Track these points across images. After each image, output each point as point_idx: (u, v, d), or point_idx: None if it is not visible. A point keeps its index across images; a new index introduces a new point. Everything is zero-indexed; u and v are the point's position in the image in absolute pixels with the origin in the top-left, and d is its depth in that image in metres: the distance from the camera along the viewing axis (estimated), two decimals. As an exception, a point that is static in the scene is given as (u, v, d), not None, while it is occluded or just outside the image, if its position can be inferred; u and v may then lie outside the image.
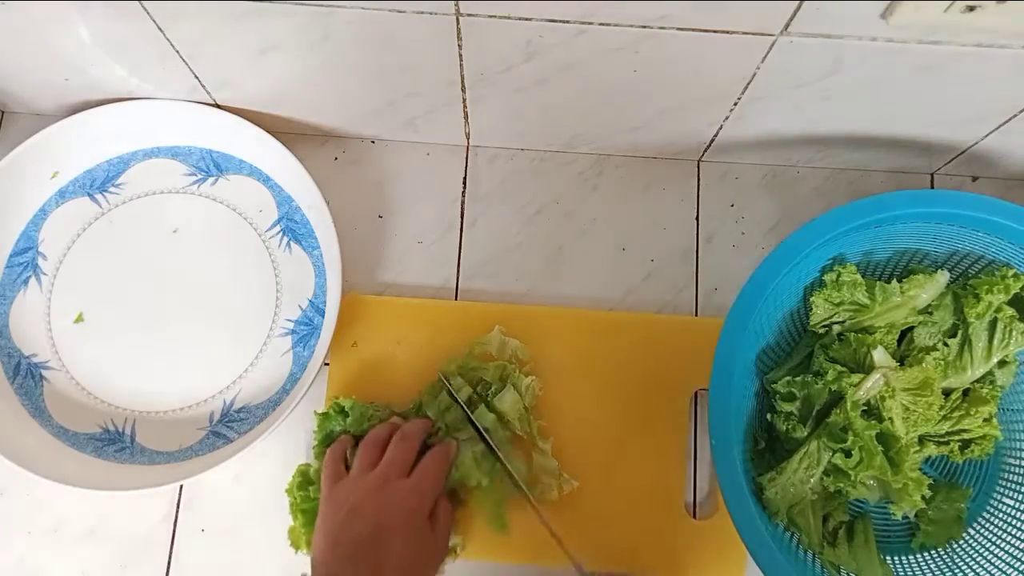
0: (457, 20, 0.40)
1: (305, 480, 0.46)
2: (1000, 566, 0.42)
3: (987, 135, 0.49)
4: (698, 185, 0.55)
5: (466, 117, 0.52)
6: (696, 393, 0.50)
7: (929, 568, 0.45)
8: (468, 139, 0.55)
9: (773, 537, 0.39)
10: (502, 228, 0.54)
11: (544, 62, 0.43)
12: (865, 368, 0.43)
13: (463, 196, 0.55)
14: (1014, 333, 0.43)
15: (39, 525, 0.49)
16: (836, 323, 0.45)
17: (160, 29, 0.43)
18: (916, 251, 0.46)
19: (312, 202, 0.51)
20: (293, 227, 0.53)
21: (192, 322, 0.51)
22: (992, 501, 0.45)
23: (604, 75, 0.44)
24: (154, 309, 0.52)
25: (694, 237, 0.54)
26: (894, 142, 0.51)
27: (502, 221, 0.54)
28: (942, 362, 0.44)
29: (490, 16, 0.39)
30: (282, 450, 0.49)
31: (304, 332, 0.51)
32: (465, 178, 0.55)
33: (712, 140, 0.52)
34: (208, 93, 0.51)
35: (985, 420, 0.44)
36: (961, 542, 0.45)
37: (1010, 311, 0.43)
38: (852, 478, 0.41)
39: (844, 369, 0.43)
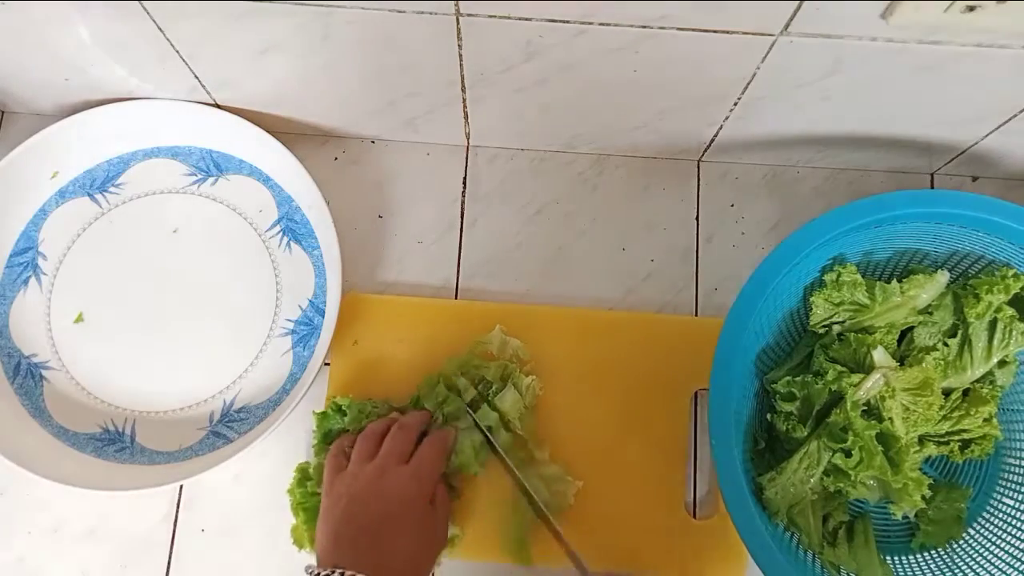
0: (457, 20, 0.40)
1: (304, 477, 0.47)
2: (1000, 566, 0.42)
3: (987, 135, 0.49)
4: (698, 185, 0.55)
5: (466, 117, 0.52)
6: (696, 393, 0.50)
7: (929, 568, 0.45)
8: (468, 139, 0.55)
9: (773, 537, 0.39)
10: (502, 228, 0.54)
11: (544, 62, 0.43)
12: (865, 368, 0.43)
13: (463, 196, 0.55)
14: (1014, 333, 0.43)
15: (39, 525, 0.49)
16: (836, 323, 0.45)
17: (160, 29, 0.43)
18: (916, 251, 0.46)
19: (312, 202, 0.51)
20: (293, 227, 0.53)
21: (192, 322, 0.51)
22: (992, 501, 0.45)
23: (604, 75, 0.44)
24: (154, 309, 0.52)
25: (694, 237, 0.54)
26: (894, 142, 0.51)
27: (502, 221, 0.54)
28: (942, 362, 0.44)
29: (490, 16, 0.39)
30: (282, 450, 0.49)
31: (304, 332, 0.51)
32: (465, 178, 0.55)
33: (712, 140, 0.52)
34: (208, 93, 0.51)
35: (985, 420, 0.44)
36: (961, 542, 0.45)
37: (1010, 311, 0.43)
38: (852, 478, 0.41)
39: (844, 369, 0.43)
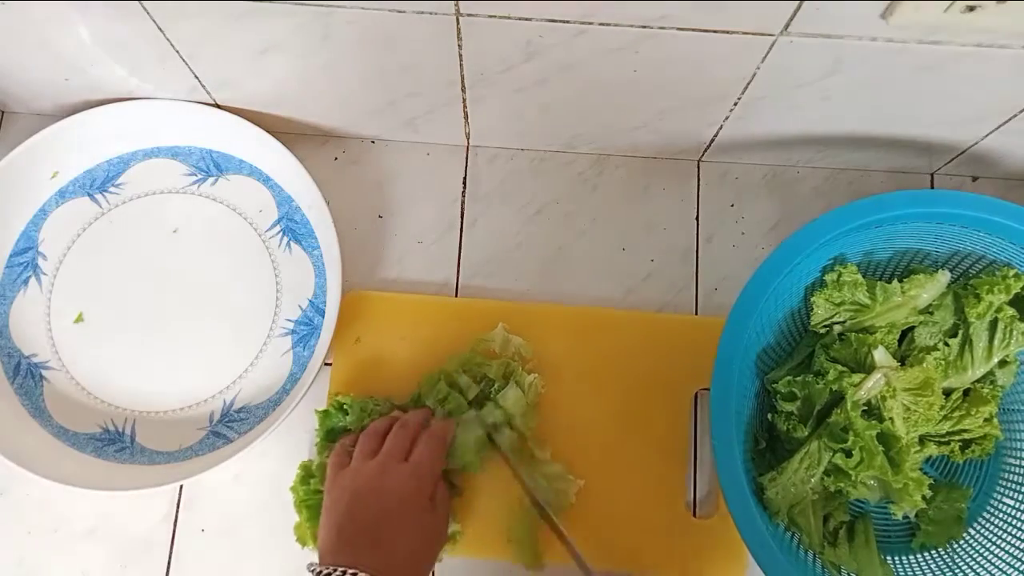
0: (457, 20, 0.40)
1: (307, 474, 0.47)
2: (1000, 566, 0.42)
3: (987, 135, 0.49)
4: (698, 185, 0.55)
5: (466, 117, 0.52)
6: (697, 393, 0.50)
7: (929, 568, 0.45)
8: (468, 139, 0.55)
9: (774, 537, 0.39)
10: (502, 228, 0.54)
11: (544, 62, 0.43)
12: (866, 368, 0.43)
13: (463, 196, 0.55)
14: (1015, 333, 0.43)
15: (39, 525, 0.49)
16: (837, 323, 0.45)
17: (160, 29, 0.43)
18: (917, 251, 0.46)
19: (312, 202, 0.51)
20: (293, 227, 0.53)
21: (192, 322, 0.51)
22: (992, 501, 0.45)
23: (604, 75, 0.44)
24: (154, 309, 0.52)
25: (694, 237, 0.54)
26: (894, 142, 0.51)
27: (502, 221, 0.54)
28: (943, 362, 0.44)
29: (490, 16, 0.39)
30: (282, 450, 0.49)
31: (304, 332, 0.51)
32: (465, 178, 0.55)
33: (712, 140, 0.52)
34: (208, 93, 0.51)
35: (986, 420, 0.44)
36: (961, 542, 0.45)
37: (1011, 311, 0.43)
38: (853, 478, 0.41)
39: (845, 369, 0.43)
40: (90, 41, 0.45)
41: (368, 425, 0.45)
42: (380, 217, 0.54)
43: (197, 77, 0.49)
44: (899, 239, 0.44)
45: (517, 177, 0.55)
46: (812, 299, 0.44)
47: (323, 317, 0.51)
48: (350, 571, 0.36)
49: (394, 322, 0.51)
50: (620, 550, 0.47)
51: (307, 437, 0.50)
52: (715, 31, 0.38)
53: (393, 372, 0.50)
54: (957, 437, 0.45)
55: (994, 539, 0.44)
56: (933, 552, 0.45)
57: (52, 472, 0.45)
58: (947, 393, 0.45)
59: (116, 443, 0.49)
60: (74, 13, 0.42)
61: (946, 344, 0.44)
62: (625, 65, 0.43)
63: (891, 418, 0.42)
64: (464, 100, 0.49)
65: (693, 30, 0.38)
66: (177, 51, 0.45)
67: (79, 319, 0.52)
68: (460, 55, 0.43)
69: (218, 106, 0.52)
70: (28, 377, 0.51)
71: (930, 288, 0.44)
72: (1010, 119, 0.46)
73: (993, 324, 0.44)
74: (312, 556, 0.46)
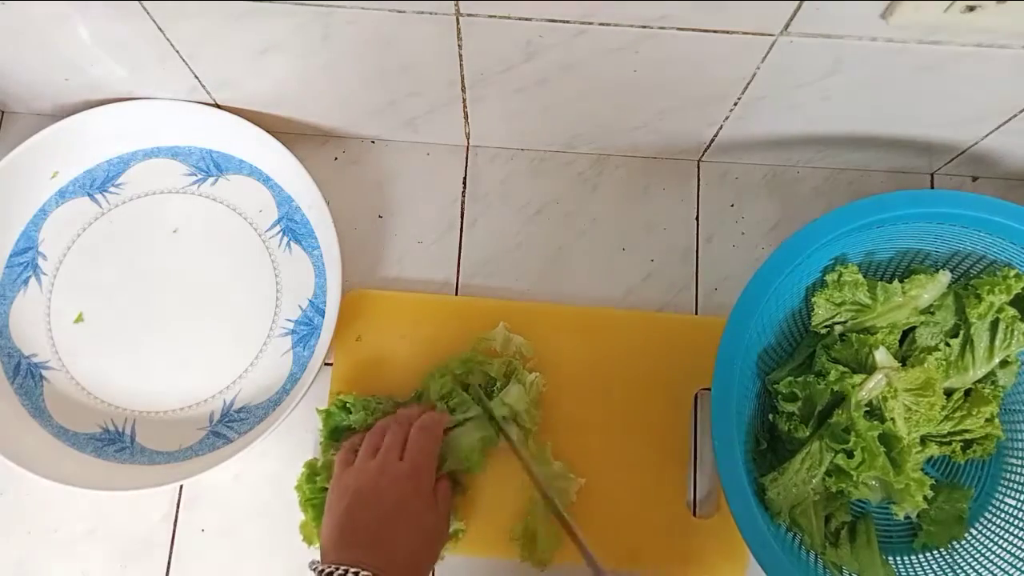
0: (457, 20, 0.40)
1: (313, 472, 0.47)
2: (1002, 566, 0.42)
3: (987, 135, 0.49)
4: (698, 185, 0.55)
5: (466, 117, 0.51)
6: (697, 393, 0.50)
7: (931, 568, 0.45)
8: (468, 139, 0.55)
9: (775, 537, 0.39)
10: (502, 228, 0.54)
11: (544, 62, 0.43)
12: (867, 368, 0.43)
13: (463, 196, 0.55)
14: (1016, 333, 0.43)
15: (39, 525, 0.49)
16: (838, 323, 0.45)
17: (160, 29, 0.43)
18: (917, 251, 0.46)
19: (312, 202, 0.51)
20: (293, 227, 0.53)
21: (192, 322, 0.51)
22: (994, 501, 0.45)
23: (604, 75, 0.44)
24: (154, 309, 0.52)
25: (694, 237, 0.54)
26: (894, 142, 0.51)
27: (502, 221, 0.54)
28: (944, 362, 0.44)
29: (490, 16, 0.39)
30: (282, 450, 0.49)
31: (304, 332, 0.51)
32: (465, 178, 0.55)
33: (712, 140, 0.52)
34: (208, 93, 0.51)
35: (987, 420, 0.44)
36: (963, 542, 0.45)
37: (1012, 311, 0.43)
38: (854, 479, 0.41)
39: (846, 369, 0.43)
40: (90, 41, 0.45)
41: (373, 423, 0.45)
42: (380, 217, 0.54)
43: (197, 77, 0.49)
44: (900, 239, 0.44)
45: (517, 177, 0.55)
46: (813, 299, 0.44)
47: (323, 317, 0.51)
48: (352, 570, 0.36)
49: (395, 321, 0.51)
50: (620, 549, 0.47)
51: (308, 437, 0.50)
52: (715, 31, 0.38)
53: (394, 371, 0.50)
54: (958, 437, 0.45)
55: (996, 539, 0.44)
56: (935, 552, 0.45)
57: (52, 472, 0.45)
58: (948, 393, 0.44)
59: (116, 443, 0.49)
60: (74, 13, 0.43)
61: (947, 344, 0.44)
62: (625, 65, 0.42)
63: (892, 418, 0.42)
64: (464, 100, 0.49)
65: (693, 30, 0.38)
66: (177, 51, 0.45)
67: (79, 319, 0.52)
68: (460, 55, 0.43)
69: (218, 106, 0.52)
70: (28, 377, 0.50)
71: (931, 288, 0.44)
72: (1010, 119, 0.46)
73: (994, 324, 0.44)
74: (315, 555, 0.45)
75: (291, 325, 0.51)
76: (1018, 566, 0.42)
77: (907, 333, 0.46)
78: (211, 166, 0.54)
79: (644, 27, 0.39)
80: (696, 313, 0.52)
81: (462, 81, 0.46)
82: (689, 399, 0.49)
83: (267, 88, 0.50)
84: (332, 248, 0.50)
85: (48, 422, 0.50)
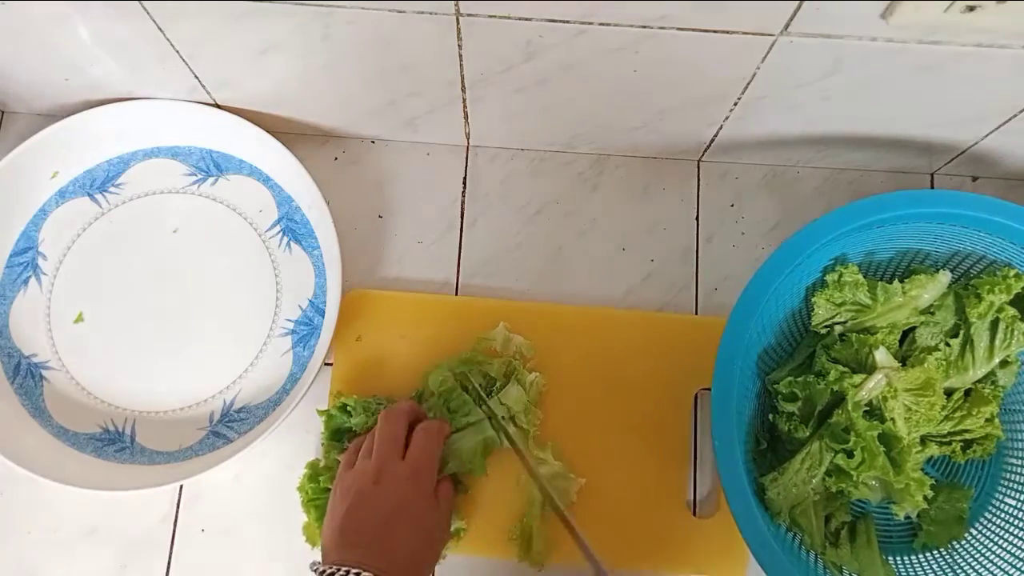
0: (457, 20, 0.40)
1: (315, 473, 0.47)
2: (1002, 566, 0.42)
3: (987, 135, 0.49)
4: (698, 185, 0.55)
5: (466, 117, 0.51)
6: (697, 393, 0.50)
7: (931, 568, 0.45)
8: (468, 139, 0.55)
9: (775, 537, 0.39)
10: (502, 228, 0.54)
11: (544, 62, 0.43)
12: (867, 368, 0.43)
13: (463, 196, 0.55)
14: (1016, 333, 0.43)
15: (39, 525, 0.49)
16: (838, 323, 0.45)
17: (160, 29, 0.43)
18: (918, 251, 0.46)
19: (312, 202, 0.51)
20: (293, 227, 0.53)
21: (192, 322, 0.51)
22: (994, 501, 0.45)
23: (604, 75, 0.44)
24: (154, 309, 0.52)
25: (694, 237, 0.54)
26: (894, 142, 0.51)
27: (502, 221, 0.54)
28: (944, 362, 0.44)
29: (490, 16, 0.39)
30: (282, 450, 0.49)
31: (304, 332, 0.51)
32: (465, 178, 0.55)
33: (712, 140, 0.52)
34: (208, 93, 0.51)
35: (987, 420, 0.44)
36: (963, 542, 0.45)
37: (1012, 311, 0.43)
38: (854, 479, 0.41)
39: (846, 369, 0.43)
40: (90, 41, 0.45)
41: (375, 425, 0.45)
42: (380, 217, 0.54)
43: (197, 77, 0.49)
44: (900, 239, 0.44)
45: (517, 177, 0.55)
46: (813, 299, 0.44)
47: (323, 317, 0.51)
48: (353, 570, 0.36)
49: (395, 321, 0.51)
50: (620, 549, 0.47)
51: (308, 437, 0.50)
52: (715, 31, 0.38)
53: (394, 371, 0.50)
54: (958, 437, 0.45)
55: (996, 539, 0.44)
56: (935, 552, 0.45)
57: (52, 472, 0.45)
58: (948, 393, 0.44)
59: (116, 443, 0.49)
60: (74, 13, 0.43)
61: (947, 344, 0.44)
62: (625, 65, 0.42)
63: (892, 418, 0.42)
64: (464, 100, 0.49)
65: (693, 30, 0.38)
66: (177, 51, 0.45)
67: (79, 319, 0.52)
68: (460, 55, 0.43)
69: (218, 106, 0.52)
70: (28, 377, 0.50)
71: (931, 288, 0.44)
72: (1010, 119, 0.46)
73: (994, 324, 0.44)
74: (318, 555, 0.45)
75: (291, 325, 0.51)
76: (1018, 566, 0.42)
77: (907, 333, 0.46)
78: (211, 166, 0.54)
79: (644, 27, 0.39)
80: (696, 313, 0.52)
81: (462, 81, 0.46)
82: (689, 399, 0.49)
83: (267, 88, 0.50)
84: (332, 248, 0.50)
85: (48, 422, 0.50)
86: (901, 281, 0.44)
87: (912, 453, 0.42)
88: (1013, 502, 0.44)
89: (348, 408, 0.47)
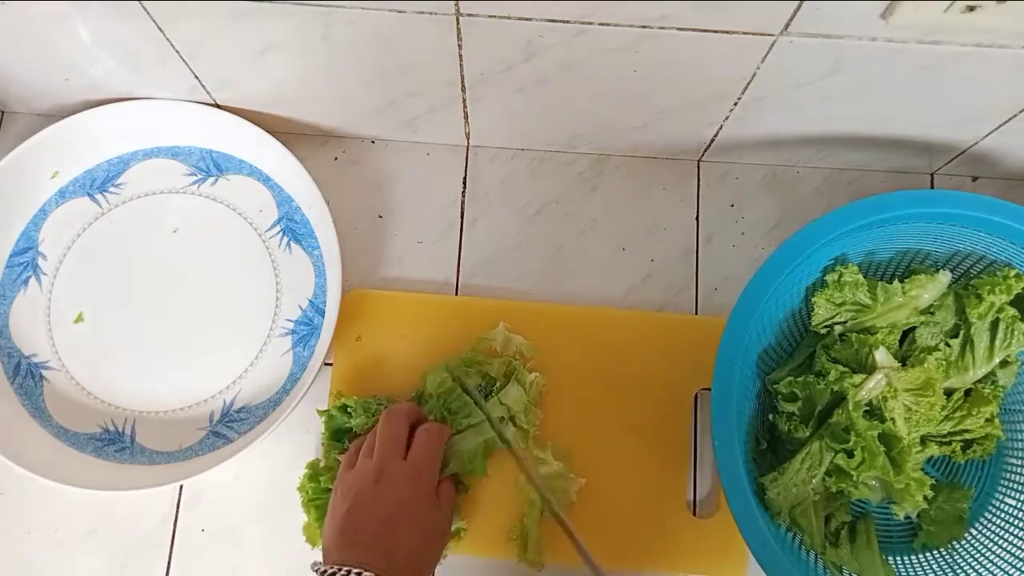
0: (457, 20, 0.40)
1: (315, 473, 0.47)
2: (1002, 566, 0.42)
3: (987, 135, 0.49)
4: (698, 185, 0.55)
5: (466, 117, 0.52)
6: (697, 393, 0.50)
7: (931, 568, 0.45)
8: (468, 139, 0.55)
9: (775, 537, 0.39)
10: (502, 228, 0.54)
11: (544, 62, 0.43)
12: (867, 368, 0.43)
13: (463, 196, 0.55)
14: (1016, 333, 0.43)
15: (39, 525, 0.49)
16: (838, 323, 0.45)
17: (160, 29, 0.43)
18: (918, 251, 0.46)
19: (312, 202, 0.51)
20: (293, 227, 0.53)
21: (192, 322, 0.51)
22: (994, 501, 0.45)
23: (604, 75, 0.44)
24: (154, 309, 0.52)
25: (694, 237, 0.54)
26: (894, 142, 0.51)
27: (502, 221, 0.54)
28: (944, 362, 0.44)
29: (490, 16, 0.39)
30: (282, 450, 0.49)
31: (304, 332, 0.51)
32: (465, 178, 0.55)
33: (712, 140, 0.52)
34: (208, 93, 0.51)
35: (987, 420, 0.44)
36: (963, 542, 0.45)
37: (1012, 311, 0.43)
38: (854, 478, 0.41)
39: (846, 369, 0.43)
40: (90, 41, 0.45)
41: (375, 425, 0.45)
42: (380, 217, 0.54)
43: (197, 77, 0.49)
44: (900, 239, 0.44)
45: (517, 177, 0.55)
46: (813, 299, 0.44)
47: (323, 317, 0.51)
48: (354, 570, 0.36)
49: (395, 321, 0.51)
50: (620, 549, 0.47)
51: (308, 437, 0.50)
52: (715, 31, 0.38)
53: (394, 371, 0.50)
54: (958, 437, 0.45)
55: (996, 539, 0.44)
56: (935, 552, 0.45)
57: (52, 472, 0.45)
58: (948, 393, 0.44)
59: (116, 443, 0.49)
60: (74, 13, 0.43)
61: (947, 344, 0.44)
62: (625, 65, 0.42)
63: (892, 418, 0.42)
64: (464, 100, 0.49)
65: (693, 30, 0.38)
66: (177, 51, 0.45)
67: (79, 319, 0.52)
68: (460, 55, 0.43)
69: (218, 106, 0.52)
70: (28, 377, 0.50)
71: (931, 288, 0.44)
72: (1010, 119, 0.46)
73: (994, 324, 0.44)
74: (318, 556, 0.45)
75: (291, 325, 0.51)
76: (1018, 566, 0.42)
77: (907, 333, 0.46)
78: (211, 166, 0.54)
79: (644, 27, 0.39)
80: (696, 313, 0.52)
81: (462, 81, 0.46)
82: (689, 399, 0.49)
83: (267, 88, 0.50)
84: (332, 248, 0.50)
85: (48, 422, 0.50)
86: (901, 281, 0.44)
87: (912, 453, 0.42)
88: (1013, 502, 0.44)
89: (349, 408, 0.47)
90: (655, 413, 0.49)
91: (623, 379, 0.49)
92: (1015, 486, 0.45)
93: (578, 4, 0.37)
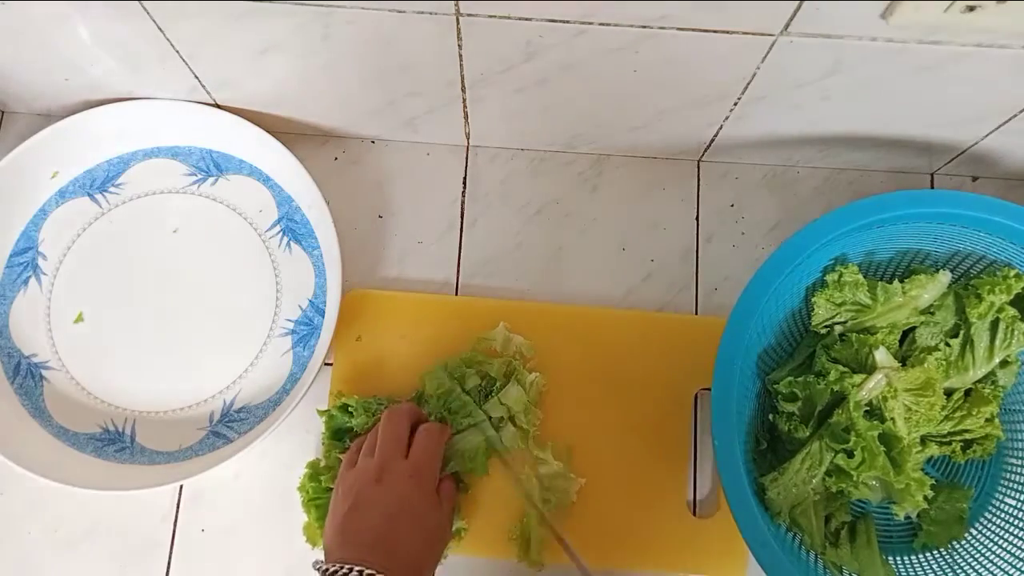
0: (457, 20, 0.40)
1: (315, 472, 0.47)
2: (1002, 566, 0.42)
3: (987, 135, 0.49)
4: (698, 185, 0.55)
5: (466, 117, 0.52)
6: (697, 393, 0.50)
7: (931, 568, 0.45)
8: (468, 139, 0.55)
9: (775, 537, 0.39)
10: (502, 228, 0.54)
11: (544, 62, 0.43)
12: (867, 368, 0.43)
13: (463, 196, 0.55)
14: (1016, 333, 0.43)
15: (39, 525, 0.49)
16: (838, 323, 0.45)
17: (160, 29, 0.43)
18: (918, 251, 0.46)
19: (312, 202, 0.51)
20: (293, 227, 0.53)
21: (192, 322, 0.51)
22: (994, 501, 0.45)
23: (604, 75, 0.44)
24: (154, 309, 0.52)
25: (694, 237, 0.54)
26: (894, 142, 0.51)
27: (502, 221, 0.54)
28: (944, 362, 0.44)
29: (490, 16, 0.39)
30: (282, 450, 0.49)
31: (304, 332, 0.51)
32: (465, 178, 0.55)
33: (712, 140, 0.52)
34: (208, 93, 0.51)
35: (987, 420, 0.44)
36: (963, 542, 0.45)
37: (1012, 311, 0.43)
38: (854, 479, 0.41)
39: (846, 369, 0.43)
40: (90, 41, 0.45)
41: (375, 425, 0.45)
42: (380, 217, 0.54)
43: (197, 77, 0.49)
44: (900, 239, 0.44)
45: (517, 177, 0.55)
46: (813, 299, 0.44)
47: (323, 317, 0.51)
48: (356, 568, 0.36)
49: (395, 321, 0.51)
50: (620, 549, 0.47)
51: (308, 437, 0.50)
52: (715, 31, 0.38)
53: (394, 371, 0.50)
54: (958, 437, 0.45)
55: (996, 539, 0.44)
56: (935, 552, 0.45)
57: (52, 472, 0.45)
58: (948, 393, 0.44)
59: (116, 443, 0.49)
60: (74, 13, 0.43)
61: (947, 344, 0.44)
62: (625, 65, 0.43)
63: (892, 418, 0.42)
64: (464, 100, 0.49)
65: (693, 30, 0.38)
66: (177, 51, 0.45)
67: (79, 319, 0.52)
68: (460, 55, 0.43)
69: (218, 106, 0.52)
70: (28, 377, 0.51)
71: (931, 288, 0.44)
72: (1010, 119, 0.46)
73: (994, 324, 0.44)
74: (319, 555, 0.45)
75: (291, 325, 0.51)
76: (1018, 566, 0.42)
77: (907, 333, 0.46)
78: (211, 166, 0.54)
79: (644, 27, 0.39)
80: (696, 313, 0.52)
81: (462, 81, 0.46)
82: (689, 399, 0.49)
83: (267, 88, 0.50)
84: (332, 248, 0.50)
85: (48, 422, 0.50)
86: (901, 281, 0.44)
87: (912, 453, 0.42)
88: (1013, 502, 0.44)
89: (349, 408, 0.47)
90: (655, 413, 0.49)
91: (623, 379, 0.49)
92: (1015, 486, 0.45)
93: (578, 4, 0.37)
